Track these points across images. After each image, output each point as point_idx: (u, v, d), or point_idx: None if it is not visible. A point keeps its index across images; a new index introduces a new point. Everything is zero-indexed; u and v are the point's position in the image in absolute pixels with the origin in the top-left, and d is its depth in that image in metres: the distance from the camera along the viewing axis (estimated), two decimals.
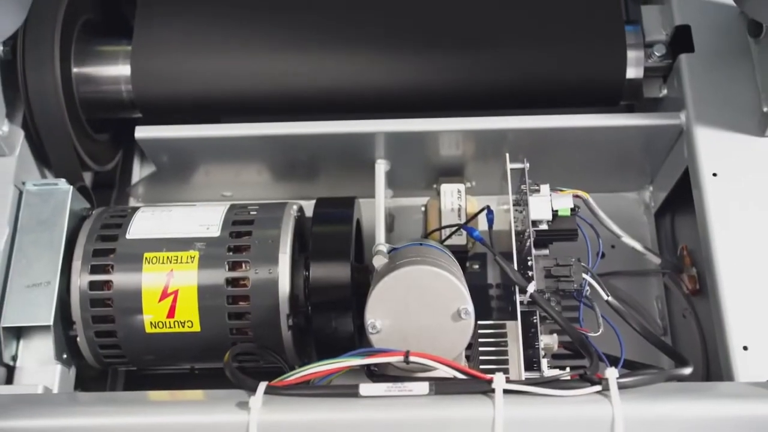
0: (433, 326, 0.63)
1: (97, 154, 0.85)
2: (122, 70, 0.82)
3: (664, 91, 0.83)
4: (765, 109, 0.75)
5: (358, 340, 0.73)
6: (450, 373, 0.60)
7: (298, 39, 0.81)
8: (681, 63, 0.79)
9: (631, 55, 0.81)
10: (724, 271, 0.70)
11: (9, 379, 0.71)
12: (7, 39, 0.71)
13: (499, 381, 0.58)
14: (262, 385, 0.59)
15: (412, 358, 0.59)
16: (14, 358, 0.72)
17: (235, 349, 0.68)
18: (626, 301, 0.85)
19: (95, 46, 0.83)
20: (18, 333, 0.72)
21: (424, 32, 0.81)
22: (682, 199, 0.81)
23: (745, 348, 0.67)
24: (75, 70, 0.81)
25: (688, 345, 0.81)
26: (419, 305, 0.63)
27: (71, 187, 0.76)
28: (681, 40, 0.80)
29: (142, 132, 0.80)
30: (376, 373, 0.65)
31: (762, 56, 0.76)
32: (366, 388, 0.59)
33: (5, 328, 0.71)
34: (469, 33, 0.81)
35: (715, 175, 0.74)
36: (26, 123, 0.77)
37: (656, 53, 0.81)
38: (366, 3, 0.82)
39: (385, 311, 0.63)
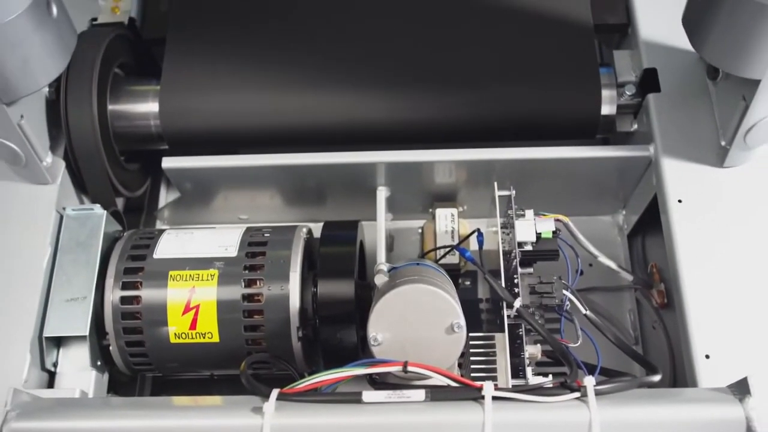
0: (429, 339, 0.63)
1: (128, 181, 0.85)
2: (151, 107, 0.82)
3: (635, 126, 0.83)
4: (723, 143, 0.75)
5: (361, 349, 0.72)
6: (444, 381, 0.60)
7: (308, 80, 0.82)
8: (649, 101, 0.79)
9: (606, 94, 0.81)
10: (688, 287, 0.70)
11: (50, 384, 0.72)
12: (51, 82, 0.71)
13: (488, 388, 0.58)
14: (275, 392, 0.59)
15: (410, 368, 0.59)
16: (55, 364, 0.72)
17: (250, 359, 0.68)
18: (602, 314, 0.84)
19: (128, 86, 0.83)
20: (58, 342, 0.72)
21: (422, 74, 0.81)
22: (651, 222, 0.81)
23: (707, 356, 0.67)
24: (110, 107, 0.81)
25: (657, 354, 0.80)
26: (416, 320, 0.63)
27: (105, 211, 0.76)
28: (649, 81, 0.80)
29: (168, 162, 0.80)
30: (377, 381, 0.65)
31: (719, 96, 0.77)
32: (368, 395, 0.59)
33: (47, 338, 0.71)
34: (463, 74, 0.81)
35: (680, 201, 0.74)
36: (67, 155, 0.78)
37: (627, 92, 0.81)
38: (369, 51, 0.83)
39: (386, 325, 0.63)
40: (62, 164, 0.78)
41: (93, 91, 0.77)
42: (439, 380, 0.60)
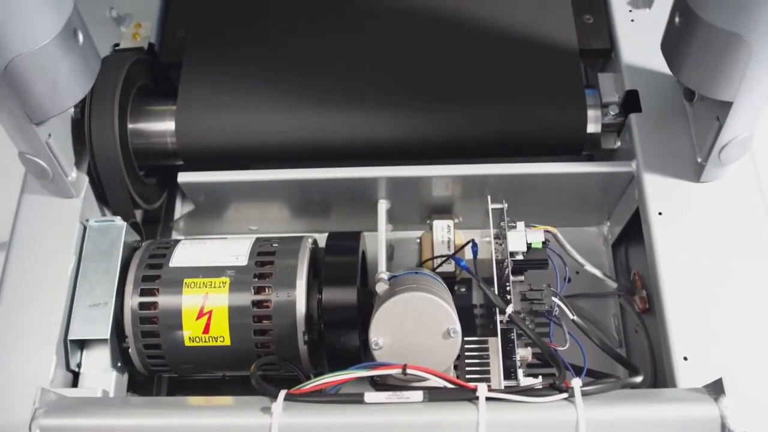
0: (427, 343, 0.63)
1: (146, 195, 0.85)
2: (168, 126, 0.82)
3: (618, 144, 0.83)
4: (699, 160, 0.75)
5: (362, 352, 0.72)
6: (441, 383, 0.60)
7: (314, 102, 0.82)
8: (631, 121, 0.79)
9: (591, 113, 0.81)
10: (668, 293, 0.70)
11: (75, 383, 0.72)
12: (77, 103, 0.72)
13: (482, 390, 0.58)
14: (282, 393, 0.59)
15: (408, 371, 0.60)
16: (79, 365, 0.72)
17: (259, 362, 0.68)
18: (588, 318, 0.84)
19: (147, 107, 0.83)
20: (82, 345, 0.73)
21: (420, 96, 0.82)
22: (633, 233, 0.81)
23: (686, 358, 0.67)
24: (130, 126, 0.81)
25: (639, 355, 0.80)
26: (415, 325, 0.63)
27: (125, 223, 0.76)
28: (631, 102, 0.80)
29: (183, 177, 0.81)
30: (378, 383, 0.65)
31: (695, 117, 0.77)
32: (370, 395, 0.59)
33: (71, 341, 0.71)
34: (459, 96, 0.82)
35: (660, 213, 0.74)
36: (90, 170, 0.78)
37: (611, 112, 0.81)
38: (371, 75, 0.83)
39: (386, 331, 0.63)
40: (86, 179, 0.78)
41: (115, 111, 0.77)
42: (436, 382, 0.60)
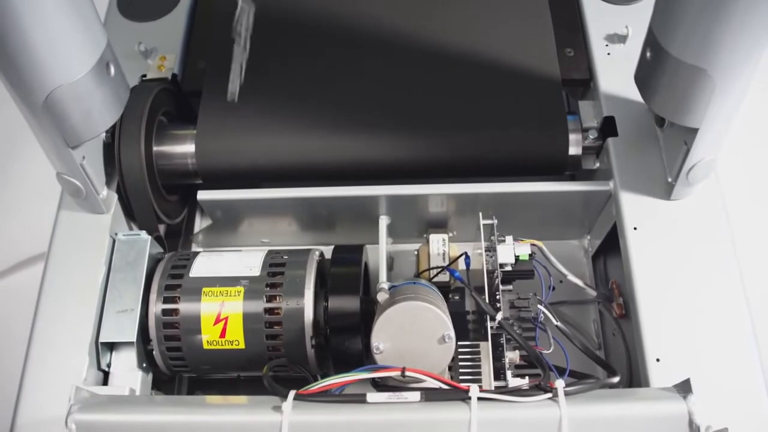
0: (424, 348, 0.63)
1: (169, 211, 0.86)
2: (189, 148, 0.83)
3: (597, 165, 0.84)
4: (669, 180, 0.75)
5: (365, 355, 0.73)
6: (437, 384, 0.60)
7: (321, 127, 0.82)
8: (608, 144, 0.80)
9: (572, 137, 0.81)
10: (642, 300, 0.70)
11: (105, 381, 0.72)
12: (108, 128, 0.72)
13: (474, 391, 0.58)
14: (292, 393, 0.59)
15: (407, 373, 0.60)
16: (108, 365, 0.72)
17: (271, 364, 0.68)
18: (571, 324, 0.85)
19: (170, 131, 0.84)
20: (111, 347, 0.73)
21: (418, 121, 0.82)
22: (611, 246, 0.81)
23: (658, 360, 0.67)
24: (155, 148, 0.82)
25: (617, 357, 0.80)
26: (413, 332, 0.63)
27: (150, 237, 0.77)
28: (608, 127, 0.81)
29: (202, 195, 0.81)
30: (379, 384, 0.65)
31: (665, 141, 0.77)
32: (372, 396, 0.59)
33: (102, 343, 0.71)
34: (453, 122, 0.82)
35: (635, 228, 0.74)
36: (119, 189, 0.78)
37: (591, 136, 0.82)
38: (373, 102, 0.83)
39: (387, 336, 0.63)
40: (115, 197, 0.78)
41: (141, 135, 0.78)
42: (432, 383, 0.60)
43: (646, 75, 0.71)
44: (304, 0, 0.91)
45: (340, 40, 0.88)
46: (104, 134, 0.77)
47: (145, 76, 0.87)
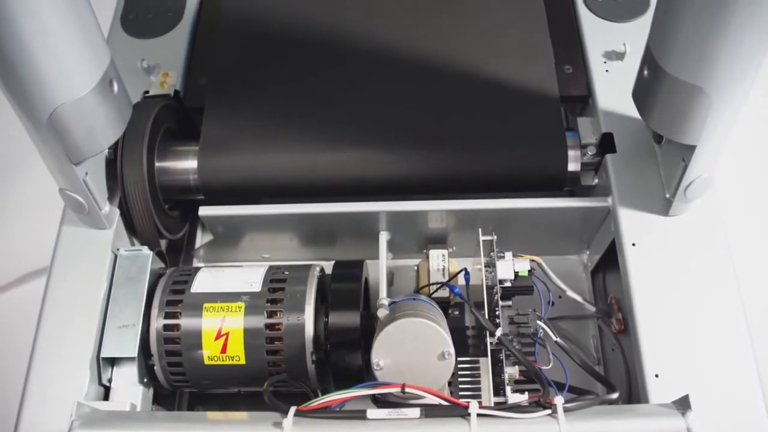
0: (424, 364, 0.63)
1: (170, 226, 0.86)
2: (191, 164, 0.83)
3: (596, 181, 0.84)
4: (667, 196, 0.76)
5: (365, 371, 0.73)
6: (436, 400, 0.60)
7: (321, 143, 0.83)
8: (607, 160, 0.80)
9: (571, 154, 0.82)
10: (641, 316, 0.70)
11: (106, 397, 0.72)
12: (111, 144, 0.73)
13: (473, 407, 0.58)
14: (293, 409, 0.59)
15: (407, 390, 0.60)
16: (109, 380, 0.72)
17: (271, 380, 0.68)
18: (570, 339, 0.85)
19: (172, 147, 0.84)
20: (112, 362, 0.73)
21: (418, 138, 0.83)
22: (610, 261, 0.81)
23: (657, 376, 0.67)
24: (157, 164, 0.82)
25: (616, 372, 0.80)
26: (413, 348, 0.63)
27: (151, 252, 0.77)
28: (606, 143, 0.81)
29: (204, 211, 0.81)
30: (380, 400, 0.65)
31: (663, 157, 0.78)
32: (372, 412, 0.59)
33: (103, 358, 0.71)
34: (453, 138, 0.83)
35: (633, 244, 0.74)
36: (121, 204, 0.79)
37: (589, 153, 0.82)
38: (373, 120, 0.84)
39: (387, 353, 0.63)
40: (117, 212, 0.78)
41: (144, 152, 0.78)
42: (432, 400, 0.60)
43: (643, 93, 0.71)
44: (304, 16, 0.92)
45: (340, 57, 0.89)
46: (107, 150, 0.77)
47: (147, 92, 0.88)
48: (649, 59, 0.67)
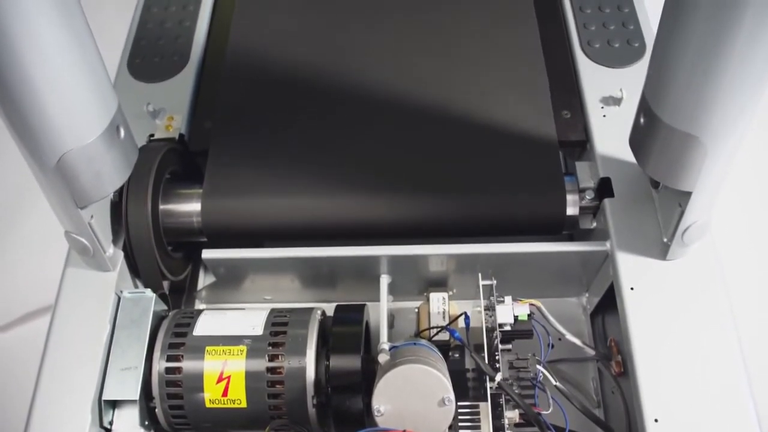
0: (424, 410, 0.64)
1: (173, 268, 0.86)
2: (195, 207, 0.84)
3: (595, 224, 0.85)
4: (665, 240, 0.76)
5: (366, 414, 0.73)
6: None
7: (322, 189, 0.84)
8: (605, 205, 0.81)
9: (570, 198, 0.83)
10: (640, 359, 0.71)
11: None
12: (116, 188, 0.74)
13: None
14: None
15: None
16: (111, 423, 0.72)
17: (272, 424, 0.68)
18: (569, 381, 0.85)
19: (176, 190, 0.85)
20: (113, 404, 0.73)
21: (417, 184, 0.84)
22: (609, 304, 0.82)
23: (656, 420, 0.67)
24: (161, 207, 0.83)
25: (616, 415, 0.80)
26: (413, 394, 0.64)
27: (154, 295, 0.78)
28: (605, 188, 0.83)
29: (207, 254, 0.82)
30: None
31: (661, 202, 0.79)
32: None
33: (105, 401, 0.72)
34: (452, 184, 0.84)
35: (632, 288, 0.75)
36: (125, 247, 0.80)
37: (587, 197, 0.83)
38: (374, 166, 0.85)
39: (388, 399, 0.64)
40: (121, 254, 0.79)
41: (148, 195, 0.79)
42: None
43: (639, 140, 0.73)
44: (308, 62, 0.95)
45: (342, 103, 0.91)
46: (112, 194, 0.78)
47: (153, 135, 0.89)
48: (644, 107, 0.69)
